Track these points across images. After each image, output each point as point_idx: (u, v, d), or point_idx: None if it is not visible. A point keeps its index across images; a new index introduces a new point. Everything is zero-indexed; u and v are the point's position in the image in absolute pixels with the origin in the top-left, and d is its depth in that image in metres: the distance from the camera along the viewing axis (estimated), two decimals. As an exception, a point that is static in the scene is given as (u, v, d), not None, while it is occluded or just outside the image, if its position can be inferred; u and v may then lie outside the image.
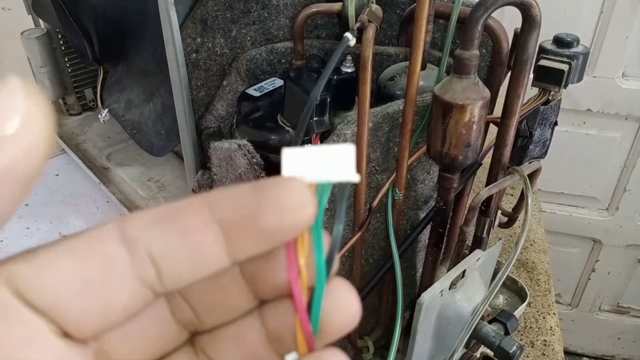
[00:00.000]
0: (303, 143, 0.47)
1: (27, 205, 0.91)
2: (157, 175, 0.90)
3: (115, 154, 0.96)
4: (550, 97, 0.50)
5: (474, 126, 0.43)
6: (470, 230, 0.48)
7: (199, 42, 0.53)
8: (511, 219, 0.60)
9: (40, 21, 0.98)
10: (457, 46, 0.41)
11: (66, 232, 0.84)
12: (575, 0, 1.14)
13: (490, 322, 0.49)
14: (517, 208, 0.57)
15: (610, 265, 1.53)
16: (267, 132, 0.50)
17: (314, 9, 0.48)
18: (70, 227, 0.86)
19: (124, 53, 0.73)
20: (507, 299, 0.70)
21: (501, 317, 0.49)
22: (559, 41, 0.48)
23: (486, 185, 0.50)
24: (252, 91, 0.54)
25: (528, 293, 0.67)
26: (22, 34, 0.95)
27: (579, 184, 1.41)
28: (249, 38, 0.57)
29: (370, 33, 0.41)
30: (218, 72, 0.56)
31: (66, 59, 1.00)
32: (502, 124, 0.46)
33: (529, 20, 0.41)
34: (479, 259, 0.47)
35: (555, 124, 0.52)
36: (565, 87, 0.48)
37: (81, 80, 1.04)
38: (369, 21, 0.42)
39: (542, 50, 0.48)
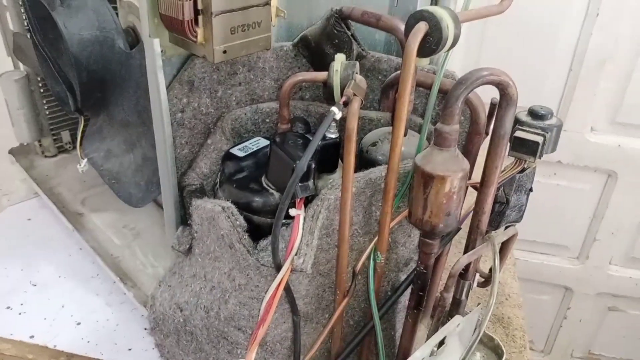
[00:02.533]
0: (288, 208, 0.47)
1: (-4, 250, 0.88)
2: (133, 222, 0.89)
3: (91, 198, 0.95)
4: (525, 166, 0.52)
5: (454, 196, 0.44)
6: (450, 296, 0.48)
7: (185, 102, 0.54)
8: (487, 279, 0.61)
9: (20, 64, 0.98)
10: (438, 113, 0.43)
11: (37, 280, 0.82)
12: (545, 58, 1.20)
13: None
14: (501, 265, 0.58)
15: (582, 312, 1.55)
16: (251, 194, 0.50)
17: (300, 77, 0.50)
18: (41, 275, 0.84)
19: (106, 103, 0.73)
20: (484, 357, 0.71)
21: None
22: (533, 113, 0.50)
23: (464, 252, 0.51)
24: (236, 151, 0.54)
25: (504, 350, 0.68)
26: (0, 76, 0.95)
27: (550, 232, 1.44)
28: (234, 98, 0.57)
29: (355, 106, 0.42)
30: (202, 131, 0.57)
31: (44, 102, 1.00)
32: (480, 192, 0.48)
33: (506, 99, 0.42)
34: (458, 324, 0.47)
35: (531, 190, 0.54)
36: (540, 157, 0.50)
37: (58, 123, 1.03)
38: (354, 95, 0.43)
39: (518, 122, 0.50)
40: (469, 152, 0.51)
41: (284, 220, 0.47)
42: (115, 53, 0.70)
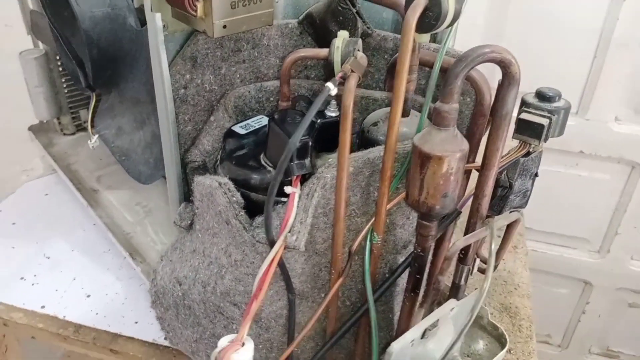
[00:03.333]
0: (283, 184, 0.47)
1: (14, 224, 0.91)
2: (145, 200, 0.90)
3: (106, 176, 0.96)
4: (530, 149, 0.50)
5: (451, 177, 0.43)
6: (444, 279, 0.48)
7: (187, 78, 0.54)
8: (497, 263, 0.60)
9: (39, 42, 0.99)
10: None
11: (51, 254, 0.84)
12: (569, 44, 1.16)
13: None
14: (497, 255, 0.56)
15: (601, 307, 1.52)
16: (249, 171, 0.50)
17: (302, 54, 0.49)
18: (55, 248, 0.86)
19: (117, 80, 0.73)
20: (487, 345, 0.70)
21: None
22: (540, 95, 0.49)
23: (464, 234, 0.50)
24: (237, 128, 0.54)
25: (508, 340, 0.67)
26: (20, 54, 0.97)
27: (570, 225, 1.41)
28: (238, 76, 0.57)
29: (352, 83, 0.42)
30: (206, 108, 0.57)
31: (63, 80, 1.01)
32: (481, 174, 0.47)
33: (508, 77, 0.41)
34: (452, 308, 0.47)
35: (536, 175, 0.53)
36: (545, 140, 0.49)
37: (77, 101, 1.05)
38: (352, 71, 0.42)
39: (524, 104, 0.49)
40: (473, 133, 0.50)
41: (283, 199, 0.47)
42: (126, 30, 0.70)
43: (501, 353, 0.67)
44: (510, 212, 0.54)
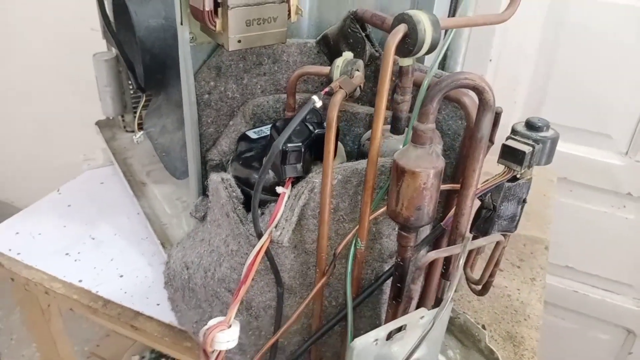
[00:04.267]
0: (277, 184, 0.52)
1: (69, 206, 1.01)
2: (185, 196, 0.98)
3: (155, 172, 1.05)
4: (518, 175, 0.52)
5: (424, 192, 0.46)
6: (416, 288, 0.50)
7: (212, 85, 0.60)
8: (484, 286, 0.61)
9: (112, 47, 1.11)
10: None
11: (96, 236, 0.94)
12: (624, 80, 1.14)
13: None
14: (483, 275, 0.58)
15: (644, 360, 1.44)
16: (252, 171, 0.55)
17: (306, 70, 0.54)
18: (100, 231, 0.95)
19: (165, 84, 0.82)
20: (481, 368, 0.71)
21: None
22: (529, 124, 0.51)
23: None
24: (251, 133, 0.60)
25: (502, 365, 0.67)
26: (93, 55, 1.08)
27: (615, 268, 1.36)
28: (259, 86, 0.63)
29: (337, 98, 0.46)
30: (228, 113, 0.63)
31: (129, 82, 1.12)
32: (459, 194, 0.50)
33: (482, 103, 0.44)
34: (422, 317, 0.49)
35: (524, 201, 0.54)
36: (529, 167, 0.51)
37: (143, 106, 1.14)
38: (340, 87, 0.47)
39: (512, 131, 0.52)
40: (462, 155, 0.53)
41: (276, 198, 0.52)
42: (177, 40, 0.78)
43: (492, 377, 0.68)
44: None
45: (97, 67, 1.10)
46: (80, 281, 0.84)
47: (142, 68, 0.79)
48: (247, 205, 0.55)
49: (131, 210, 1.00)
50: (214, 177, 0.54)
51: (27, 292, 0.94)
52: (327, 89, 0.46)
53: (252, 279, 0.54)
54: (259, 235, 0.50)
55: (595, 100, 1.17)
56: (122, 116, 1.18)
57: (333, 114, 0.46)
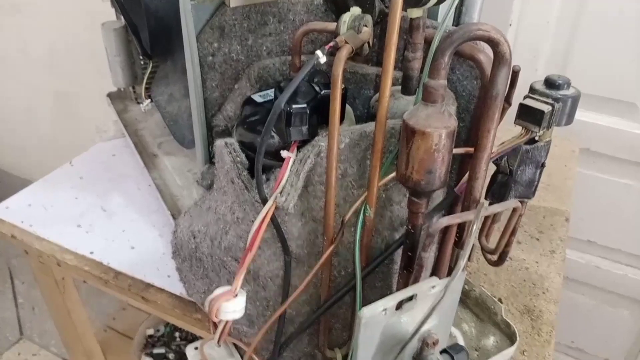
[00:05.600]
0: (282, 149, 0.50)
1: (81, 178, 1.01)
2: (196, 168, 0.96)
3: (166, 143, 1.04)
4: (536, 138, 0.49)
5: (436, 154, 0.43)
6: (430, 256, 0.48)
7: (215, 46, 0.58)
8: (500, 256, 0.59)
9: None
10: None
11: (107, 207, 0.93)
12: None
13: (441, 352, 0.49)
14: (499, 244, 0.56)
15: (667, 335, 1.41)
16: (256, 135, 0.53)
17: (311, 27, 0.51)
18: (112, 203, 0.94)
19: (172, 51, 0.80)
20: (497, 342, 0.69)
21: (451, 350, 0.49)
22: (548, 82, 0.48)
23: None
24: (256, 97, 0.58)
25: (518, 339, 0.65)
26: (102, 25, 1.06)
27: (638, 242, 1.32)
28: (265, 48, 0.61)
29: (343, 53, 0.43)
30: (233, 76, 0.61)
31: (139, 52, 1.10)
32: (473, 157, 0.47)
33: (498, 57, 0.41)
34: (434, 286, 0.47)
35: (543, 165, 0.51)
36: (548, 128, 0.48)
37: (151, 73, 1.13)
38: (345, 42, 0.44)
39: (531, 90, 0.48)
40: (477, 116, 0.50)
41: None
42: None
43: (508, 350, 0.66)
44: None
45: (106, 37, 1.08)
46: (91, 253, 0.83)
47: (148, 33, 0.77)
48: (252, 171, 0.53)
49: (142, 182, 0.99)
50: (218, 142, 0.52)
51: (41, 265, 0.94)
52: (331, 44, 0.43)
53: (259, 248, 0.53)
54: (264, 201, 0.48)
55: (620, 68, 1.12)
56: (133, 87, 1.17)
57: (338, 71, 0.43)
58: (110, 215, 0.91)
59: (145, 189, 0.97)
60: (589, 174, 1.28)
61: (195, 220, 0.61)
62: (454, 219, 0.47)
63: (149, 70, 0.81)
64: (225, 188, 0.55)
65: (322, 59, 0.42)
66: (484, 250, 0.57)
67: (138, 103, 1.17)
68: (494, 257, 0.60)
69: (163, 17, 0.76)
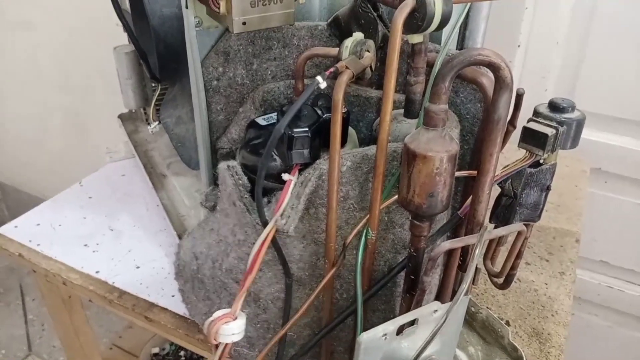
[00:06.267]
0: (283, 171, 0.50)
1: (90, 197, 1.01)
2: (204, 188, 0.97)
3: (175, 164, 1.05)
4: (541, 160, 0.49)
5: (437, 177, 0.43)
6: (431, 280, 0.48)
7: (220, 71, 0.59)
8: (505, 280, 0.58)
9: (132, 39, 1.10)
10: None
11: (115, 227, 0.93)
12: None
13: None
14: (504, 267, 0.55)
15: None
16: (259, 158, 0.53)
17: (314, 52, 0.52)
18: (120, 222, 0.95)
19: (180, 74, 0.80)
20: (504, 365, 0.67)
21: (454, 375, 0.48)
22: (552, 105, 0.48)
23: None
24: (260, 120, 0.58)
25: (525, 362, 0.64)
26: (114, 48, 1.08)
27: (653, 263, 1.29)
28: (269, 72, 0.61)
29: (343, 78, 0.44)
30: (238, 100, 0.62)
31: (150, 75, 1.11)
32: (476, 180, 0.47)
33: (499, 82, 0.41)
34: (435, 310, 0.47)
35: (548, 188, 0.51)
36: (552, 151, 0.47)
37: (161, 95, 1.14)
38: (346, 67, 0.44)
39: (535, 113, 0.48)
40: (480, 140, 0.50)
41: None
42: (189, 28, 0.77)
43: (515, 375, 0.65)
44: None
45: (118, 60, 1.09)
46: (97, 272, 0.84)
47: (157, 57, 0.78)
48: (254, 193, 0.53)
49: (150, 202, 1.00)
50: (221, 165, 0.53)
51: (48, 283, 0.95)
52: (332, 69, 0.44)
53: (260, 270, 0.52)
54: (264, 224, 0.48)
55: (631, 87, 1.11)
56: (144, 109, 1.18)
57: (339, 96, 0.43)
58: (117, 235, 0.91)
59: (154, 209, 0.98)
60: (601, 194, 1.27)
61: (197, 241, 0.61)
62: (456, 243, 0.46)
63: (157, 93, 0.82)
64: (228, 210, 0.55)
65: (323, 84, 0.43)
66: (489, 273, 0.57)
67: (149, 124, 1.19)
68: (500, 280, 0.59)
69: (171, 43, 0.77)
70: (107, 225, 0.94)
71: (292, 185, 0.48)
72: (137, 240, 0.90)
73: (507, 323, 0.76)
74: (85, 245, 0.89)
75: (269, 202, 0.51)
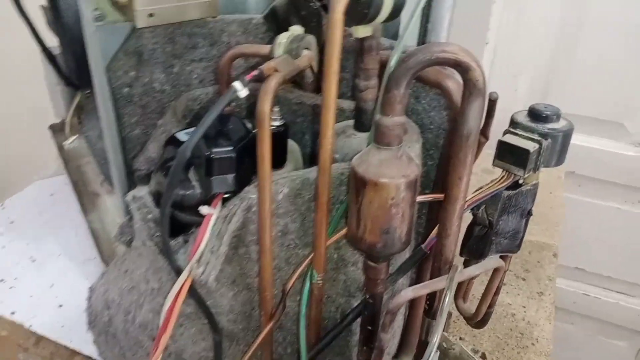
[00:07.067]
0: (203, 203, 0.40)
1: (12, 222, 0.89)
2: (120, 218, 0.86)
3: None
4: (521, 181, 0.40)
5: (393, 209, 0.33)
6: (389, 338, 0.38)
7: (132, 75, 0.48)
8: (482, 319, 0.49)
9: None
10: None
11: (37, 257, 0.81)
12: (634, 63, 1.01)
13: None
14: (479, 309, 0.46)
15: (664, 367, 1.32)
16: (178, 184, 0.43)
17: (239, 50, 0.41)
18: (43, 251, 0.82)
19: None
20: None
21: None
22: (533, 113, 0.38)
23: (430, 277, 0.40)
24: (182, 135, 0.47)
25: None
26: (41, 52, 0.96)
27: (630, 269, 1.23)
28: (195, 76, 0.51)
29: (270, 84, 0.33)
30: (157, 110, 0.51)
31: (80, 80, 0.99)
32: (442, 209, 0.37)
33: (469, 86, 0.31)
34: (398, 374, 0.37)
35: (529, 213, 0.42)
36: (534, 170, 0.38)
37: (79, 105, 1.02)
38: (276, 70, 0.34)
39: (512, 123, 0.39)
40: (446, 156, 0.40)
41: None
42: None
43: None
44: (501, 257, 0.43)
45: (46, 65, 0.97)
46: (13, 313, 0.71)
47: (72, 59, 0.67)
48: (174, 229, 0.42)
49: (81, 225, 0.87)
50: (128, 196, 0.42)
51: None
52: (254, 72, 0.33)
53: (180, 326, 0.42)
54: (177, 273, 0.37)
55: (607, 87, 1.04)
56: (79, 117, 1.06)
57: (264, 107, 0.33)
58: (39, 267, 0.79)
59: (84, 234, 0.86)
60: (575, 198, 1.20)
61: (111, 285, 0.50)
62: (420, 290, 0.37)
63: (75, 102, 0.71)
64: (140, 249, 0.44)
65: (242, 92, 0.32)
66: (463, 315, 0.47)
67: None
68: (475, 320, 0.50)
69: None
70: (29, 255, 0.82)
71: (212, 222, 0.38)
72: (62, 272, 0.78)
73: (483, 356, 0.67)
74: (2, 280, 0.77)
75: (186, 241, 0.40)
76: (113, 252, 0.76)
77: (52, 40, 0.94)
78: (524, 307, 0.75)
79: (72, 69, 0.71)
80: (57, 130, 1.11)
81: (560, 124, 0.38)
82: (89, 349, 0.66)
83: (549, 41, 1.04)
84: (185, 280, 0.37)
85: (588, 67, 1.03)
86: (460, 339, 0.67)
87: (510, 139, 0.37)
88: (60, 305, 0.72)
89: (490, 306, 0.47)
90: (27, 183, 1.00)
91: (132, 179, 0.52)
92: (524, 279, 0.80)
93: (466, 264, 0.43)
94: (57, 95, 1.01)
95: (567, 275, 1.32)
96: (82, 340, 0.67)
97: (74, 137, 0.71)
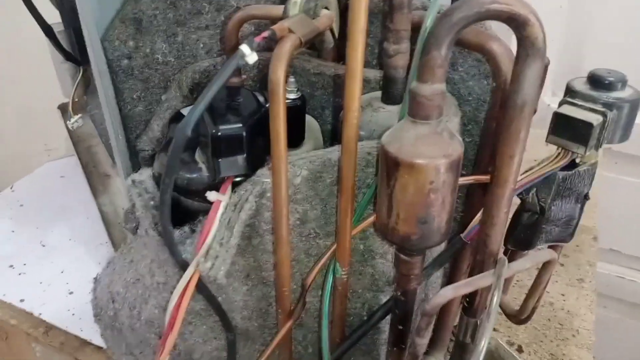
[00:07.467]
0: (211, 187, 0.35)
1: (21, 206, 0.86)
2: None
3: (122, 161, 0.89)
4: (578, 160, 0.34)
5: (432, 195, 0.28)
6: (423, 342, 0.33)
7: (131, 45, 0.43)
8: (528, 316, 0.44)
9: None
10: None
11: (47, 242, 0.78)
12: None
13: None
14: (524, 306, 0.41)
15: None
16: (183, 166, 0.38)
17: (250, 12, 0.36)
18: (53, 236, 0.79)
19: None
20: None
21: None
22: (595, 80, 0.32)
23: (469, 275, 0.35)
24: (187, 111, 0.42)
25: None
26: (44, 27, 0.91)
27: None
28: (201, 45, 0.46)
29: (284, 47, 0.28)
30: (161, 84, 0.46)
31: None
32: (488, 194, 0.32)
33: (525, 46, 0.26)
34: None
35: (586, 197, 0.36)
36: (597, 147, 0.32)
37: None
38: (290, 30, 0.29)
39: (569, 92, 0.33)
40: (492, 133, 0.35)
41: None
42: None
43: None
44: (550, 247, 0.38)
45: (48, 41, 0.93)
46: (22, 300, 0.69)
47: (73, 33, 0.62)
48: (180, 216, 0.38)
49: (92, 209, 0.84)
50: (127, 180, 0.37)
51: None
52: (265, 33, 0.28)
53: (189, 323, 0.38)
54: (183, 267, 0.33)
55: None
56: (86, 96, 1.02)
57: (278, 74, 0.28)
58: (49, 252, 0.76)
59: (95, 218, 0.82)
60: (611, 177, 1.13)
61: (116, 276, 0.46)
62: (462, 289, 0.32)
63: (78, 78, 0.66)
64: (145, 239, 0.40)
65: (250, 57, 0.27)
66: (505, 312, 0.42)
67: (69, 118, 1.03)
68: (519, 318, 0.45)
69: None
70: (39, 239, 0.79)
71: (220, 210, 0.33)
72: (73, 258, 0.75)
73: (520, 349, 0.62)
74: (11, 266, 0.74)
75: (194, 231, 0.35)
76: (124, 237, 0.73)
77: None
78: (563, 295, 0.69)
79: (72, 43, 0.67)
80: (65, 110, 1.07)
81: (626, 93, 0.32)
82: (100, 339, 0.63)
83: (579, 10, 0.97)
84: (191, 277, 0.32)
85: (617, 31, 0.95)
86: (494, 329, 0.63)
87: (569, 110, 0.32)
88: (71, 292, 0.69)
89: (538, 301, 0.42)
90: (37, 165, 0.97)
91: (137, 161, 0.48)
92: (562, 265, 0.74)
93: (507, 254, 0.38)
94: (64, 73, 0.97)
95: (602, 257, 1.25)
96: (93, 330, 0.63)
97: (78, 117, 0.67)
